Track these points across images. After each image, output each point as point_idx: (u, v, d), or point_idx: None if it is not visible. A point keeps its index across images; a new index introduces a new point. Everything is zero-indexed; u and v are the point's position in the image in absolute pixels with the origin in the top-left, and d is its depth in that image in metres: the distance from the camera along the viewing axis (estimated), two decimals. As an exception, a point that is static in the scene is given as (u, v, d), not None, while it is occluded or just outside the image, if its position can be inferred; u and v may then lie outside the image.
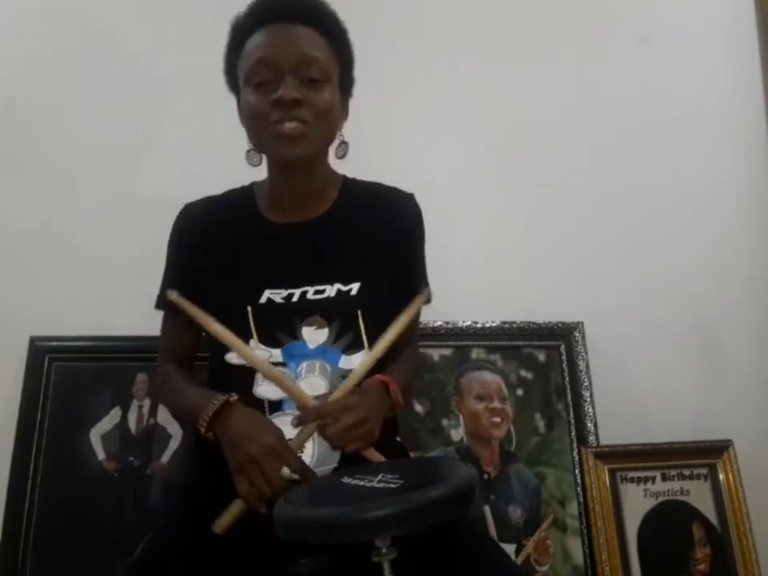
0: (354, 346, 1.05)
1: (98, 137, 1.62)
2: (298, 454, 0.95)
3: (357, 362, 1.04)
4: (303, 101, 1.01)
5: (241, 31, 1.08)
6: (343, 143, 1.11)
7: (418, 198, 1.21)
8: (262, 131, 1.04)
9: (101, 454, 1.46)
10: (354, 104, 1.18)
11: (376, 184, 1.20)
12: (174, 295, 1.01)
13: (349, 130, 1.15)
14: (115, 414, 1.49)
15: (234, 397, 0.97)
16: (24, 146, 1.62)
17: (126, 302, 1.53)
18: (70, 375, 1.50)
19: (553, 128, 1.76)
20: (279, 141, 1.02)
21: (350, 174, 1.20)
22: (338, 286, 1.06)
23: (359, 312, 1.05)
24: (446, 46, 1.75)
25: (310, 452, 1.01)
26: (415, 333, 1.22)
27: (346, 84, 1.13)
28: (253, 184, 1.18)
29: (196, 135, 1.62)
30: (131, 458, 1.47)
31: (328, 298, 1.06)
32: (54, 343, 1.51)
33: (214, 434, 0.96)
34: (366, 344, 1.05)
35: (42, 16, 1.65)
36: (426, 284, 1.18)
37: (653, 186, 1.78)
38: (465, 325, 1.63)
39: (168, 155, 1.63)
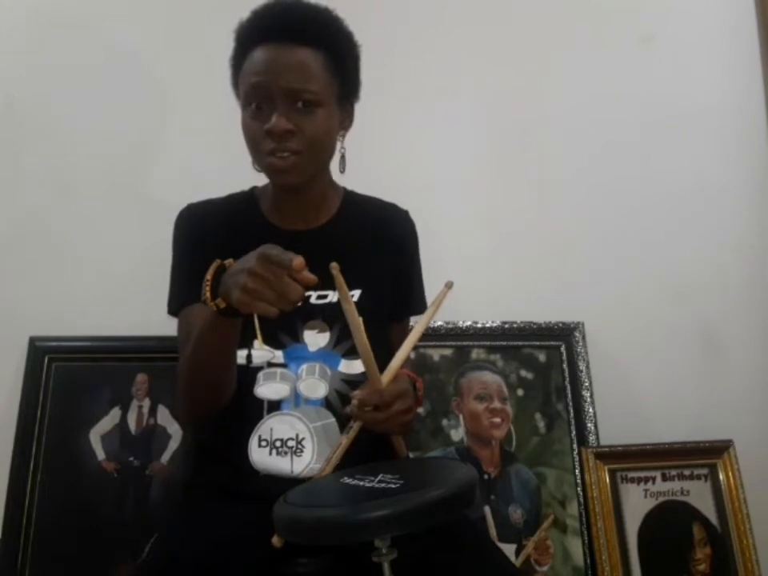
0: (354, 351, 1.05)
1: (99, 137, 1.62)
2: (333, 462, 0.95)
3: (357, 366, 1.06)
4: (295, 131, 1.01)
5: (242, 45, 1.07)
6: (344, 157, 1.13)
7: (419, 199, 1.21)
8: (256, 157, 1.06)
9: (100, 454, 1.46)
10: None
11: (374, 199, 1.23)
12: None
13: (349, 134, 1.15)
14: (115, 414, 1.49)
15: (218, 261, 0.92)
16: (24, 145, 1.62)
17: (125, 302, 1.53)
18: (70, 375, 1.50)
19: (553, 128, 1.76)
20: (271, 171, 1.05)
21: (351, 176, 1.20)
22: None
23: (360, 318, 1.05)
24: (446, 47, 1.75)
25: (310, 447, 1.02)
26: None
27: (348, 93, 1.11)
28: (254, 189, 1.19)
29: (198, 136, 1.62)
30: (131, 458, 1.47)
31: (330, 303, 1.08)
32: (54, 343, 1.51)
33: (222, 300, 0.88)
34: None
35: (41, 17, 1.65)
36: (425, 304, 1.21)
37: (653, 186, 1.78)
38: (465, 325, 1.63)
39: (169, 156, 1.63)
